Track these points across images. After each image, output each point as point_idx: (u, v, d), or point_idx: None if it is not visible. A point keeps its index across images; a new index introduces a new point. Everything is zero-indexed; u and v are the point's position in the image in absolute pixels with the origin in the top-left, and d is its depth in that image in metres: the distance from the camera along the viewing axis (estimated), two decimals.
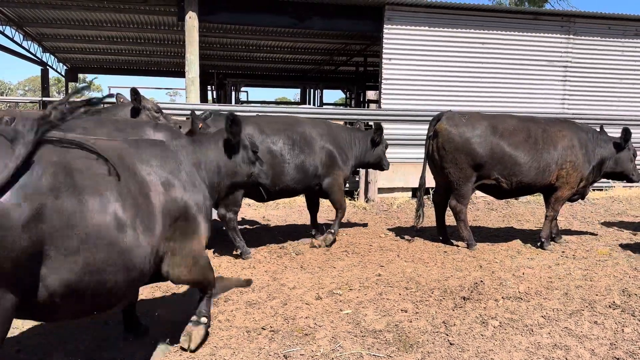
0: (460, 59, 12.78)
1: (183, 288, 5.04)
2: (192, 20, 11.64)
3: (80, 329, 4.12)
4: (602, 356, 3.80)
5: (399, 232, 8.05)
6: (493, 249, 6.99)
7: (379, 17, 12.44)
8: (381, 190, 11.64)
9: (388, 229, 8.29)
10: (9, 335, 3.68)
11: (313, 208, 7.62)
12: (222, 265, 6.06)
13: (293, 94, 48.81)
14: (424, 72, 12.63)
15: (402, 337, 4.10)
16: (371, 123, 10.70)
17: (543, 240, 7.04)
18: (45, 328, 4.08)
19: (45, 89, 22.66)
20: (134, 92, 6.22)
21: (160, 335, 3.92)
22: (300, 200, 9.99)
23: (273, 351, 3.84)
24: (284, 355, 3.76)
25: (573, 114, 12.77)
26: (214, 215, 5.50)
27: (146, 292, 4.92)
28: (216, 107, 11.51)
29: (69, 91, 28.64)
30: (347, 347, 3.92)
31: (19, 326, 4.08)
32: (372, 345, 3.96)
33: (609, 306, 4.78)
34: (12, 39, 18.48)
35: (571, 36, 13.23)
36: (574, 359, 3.74)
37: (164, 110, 6.82)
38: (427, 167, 7.32)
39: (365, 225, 8.65)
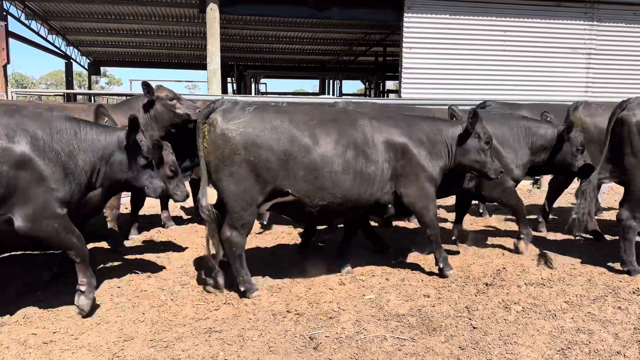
0: (481, 47, 12.69)
1: None
2: (213, 12, 11.75)
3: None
4: (626, 340, 3.81)
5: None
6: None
7: (399, 5, 12.39)
8: None
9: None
10: None
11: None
12: None
13: (311, 86, 48.92)
14: (444, 61, 12.56)
15: (425, 321, 4.16)
16: None
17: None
18: None
19: (69, 82, 23.06)
20: (145, 85, 6.32)
21: None
22: None
23: (299, 333, 3.93)
24: (309, 337, 3.86)
25: (597, 101, 12.59)
26: None
27: None
28: (238, 97, 11.62)
29: (92, 84, 29.08)
30: (371, 329, 4.00)
31: None
32: (396, 328, 4.03)
33: (633, 292, 4.77)
34: (37, 33, 18.85)
35: (595, 23, 13.02)
36: (597, 343, 3.76)
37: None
38: None
39: None
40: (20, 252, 5.38)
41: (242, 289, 4.66)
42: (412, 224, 7.49)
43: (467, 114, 5.29)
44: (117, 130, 4.53)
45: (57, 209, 3.97)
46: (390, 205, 5.16)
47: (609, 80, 13.23)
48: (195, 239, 6.69)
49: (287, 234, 7.04)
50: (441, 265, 5.23)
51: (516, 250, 6.08)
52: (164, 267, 5.48)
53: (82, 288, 4.21)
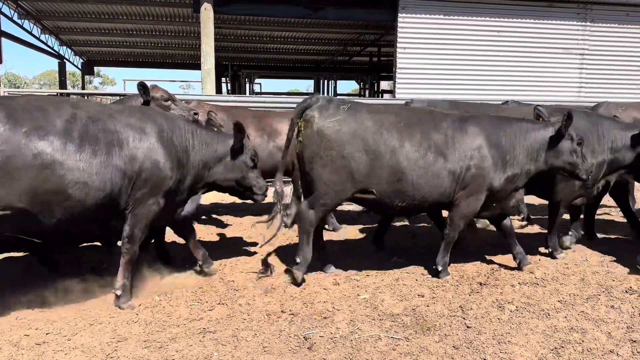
0: (475, 47, 12.73)
1: None
2: (207, 12, 11.73)
3: None
4: (619, 339, 3.83)
5: (415, 219, 8.08)
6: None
7: (393, 5, 12.41)
8: None
9: None
10: None
11: None
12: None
13: (305, 86, 48.86)
14: (438, 61, 12.60)
15: (420, 321, 4.17)
16: None
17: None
18: None
19: (62, 82, 22.97)
20: (142, 85, 6.28)
21: None
22: None
23: (293, 333, 3.93)
24: (304, 337, 3.86)
25: (589, 102, 12.66)
26: None
27: None
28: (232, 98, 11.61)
29: (85, 84, 28.98)
30: (365, 329, 4.00)
31: None
32: (390, 328, 4.04)
33: (626, 291, 4.80)
34: (30, 33, 18.78)
35: (587, 23, 13.09)
36: (590, 342, 3.78)
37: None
38: None
39: None
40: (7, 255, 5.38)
41: (297, 260, 5.03)
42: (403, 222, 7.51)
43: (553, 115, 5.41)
44: (228, 135, 5.10)
45: (159, 197, 4.45)
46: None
47: (602, 80, 13.31)
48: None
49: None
50: (440, 268, 5.20)
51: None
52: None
53: (118, 291, 4.43)
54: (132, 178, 4.24)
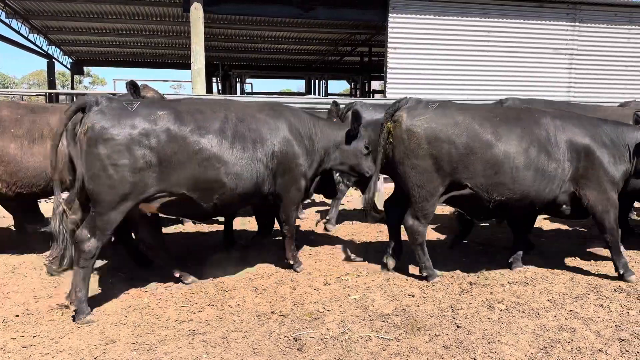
0: (465, 47, 12.75)
1: None
2: (197, 11, 11.65)
3: None
4: (608, 337, 3.85)
5: None
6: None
7: (383, 6, 12.41)
8: None
9: None
10: None
11: None
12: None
13: (297, 86, 48.76)
14: (429, 61, 12.61)
15: (410, 321, 4.16)
16: None
17: None
18: None
19: (51, 81, 22.76)
20: (132, 85, 6.21)
21: None
22: None
23: (283, 334, 3.92)
24: (294, 338, 3.84)
25: (578, 101, 12.75)
26: None
27: None
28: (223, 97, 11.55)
29: (75, 84, 28.75)
30: (355, 330, 3.99)
31: None
32: (380, 328, 4.03)
33: (615, 290, 4.83)
34: (18, 32, 18.56)
35: (577, 23, 13.15)
36: (579, 341, 3.80)
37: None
38: None
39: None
40: None
41: (424, 274, 5.12)
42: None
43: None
44: (345, 123, 5.76)
45: (300, 181, 5.18)
46: (565, 206, 5.19)
47: (591, 80, 13.38)
48: (179, 240, 6.63)
49: None
50: (621, 271, 5.10)
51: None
52: (147, 269, 5.41)
53: (291, 261, 5.39)
54: (272, 169, 4.94)
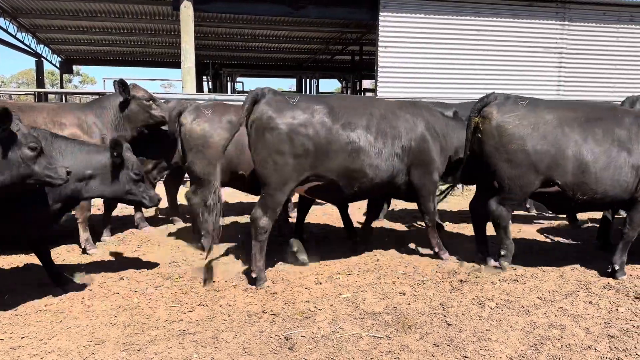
0: (455, 46, 12.81)
1: None
2: (187, 10, 11.62)
3: None
4: (597, 334, 3.87)
5: (396, 219, 8.11)
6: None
7: (374, 4, 12.43)
8: None
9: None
10: None
11: None
12: None
13: (288, 84, 48.60)
14: (419, 60, 12.66)
15: (401, 319, 4.17)
16: None
17: None
18: None
19: (40, 80, 22.56)
20: (121, 83, 6.15)
21: None
22: None
23: (274, 333, 3.90)
24: (285, 337, 3.83)
25: (568, 99, 12.84)
26: None
27: None
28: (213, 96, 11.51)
29: (65, 83, 28.50)
30: (346, 328, 3.99)
31: None
32: (372, 327, 4.03)
33: (604, 287, 4.86)
34: (6, 31, 18.39)
35: (566, 22, 13.25)
36: (569, 338, 3.82)
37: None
38: None
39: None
40: None
41: (502, 252, 5.32)
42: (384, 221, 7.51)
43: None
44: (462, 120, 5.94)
45: (434, 175, 5.56)
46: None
47: (580, 78, 13.49)
48: (169, 240, 6.60)
49: None
50: (616, 268, 5.11)
51: None
52: (137, 269, 5.38)
53: (436, 249, 5.75)
54: (408, 164, 5.36)
